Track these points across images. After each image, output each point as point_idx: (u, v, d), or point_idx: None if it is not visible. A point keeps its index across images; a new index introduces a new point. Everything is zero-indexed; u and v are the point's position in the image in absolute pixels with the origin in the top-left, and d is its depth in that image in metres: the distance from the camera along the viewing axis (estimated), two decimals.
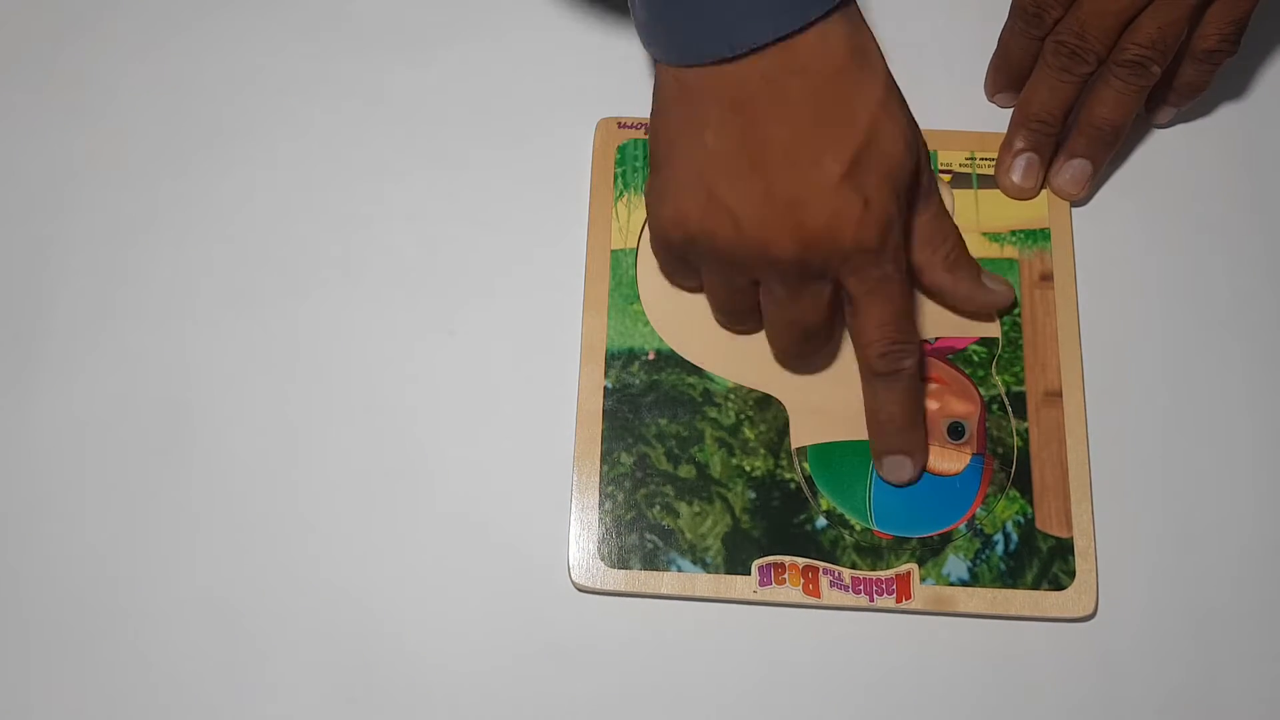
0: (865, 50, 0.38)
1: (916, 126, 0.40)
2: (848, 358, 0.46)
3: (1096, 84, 0.46)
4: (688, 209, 0.39)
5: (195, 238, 0.48)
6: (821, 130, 0.38)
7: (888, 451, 0.43)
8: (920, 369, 0.42)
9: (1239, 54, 0.46)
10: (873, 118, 0.38)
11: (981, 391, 0.46)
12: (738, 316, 0.44)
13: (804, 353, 0.44)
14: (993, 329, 0.46)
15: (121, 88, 0.51)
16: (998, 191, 0.48)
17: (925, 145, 0.42)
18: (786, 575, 0.43)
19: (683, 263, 0.43)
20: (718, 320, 0.46)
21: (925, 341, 0.46)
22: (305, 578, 0.44)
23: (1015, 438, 0.45)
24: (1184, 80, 0.47)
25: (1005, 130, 0.48)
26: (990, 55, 0.50)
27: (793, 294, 0.40)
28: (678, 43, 0.38)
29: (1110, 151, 0.47)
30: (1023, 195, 0.48)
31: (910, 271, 0.42)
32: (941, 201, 0.44)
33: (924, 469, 0.44)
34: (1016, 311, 0.47)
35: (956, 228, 0.44)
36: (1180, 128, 0.50)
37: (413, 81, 0.51)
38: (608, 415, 0.45)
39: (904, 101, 0.40)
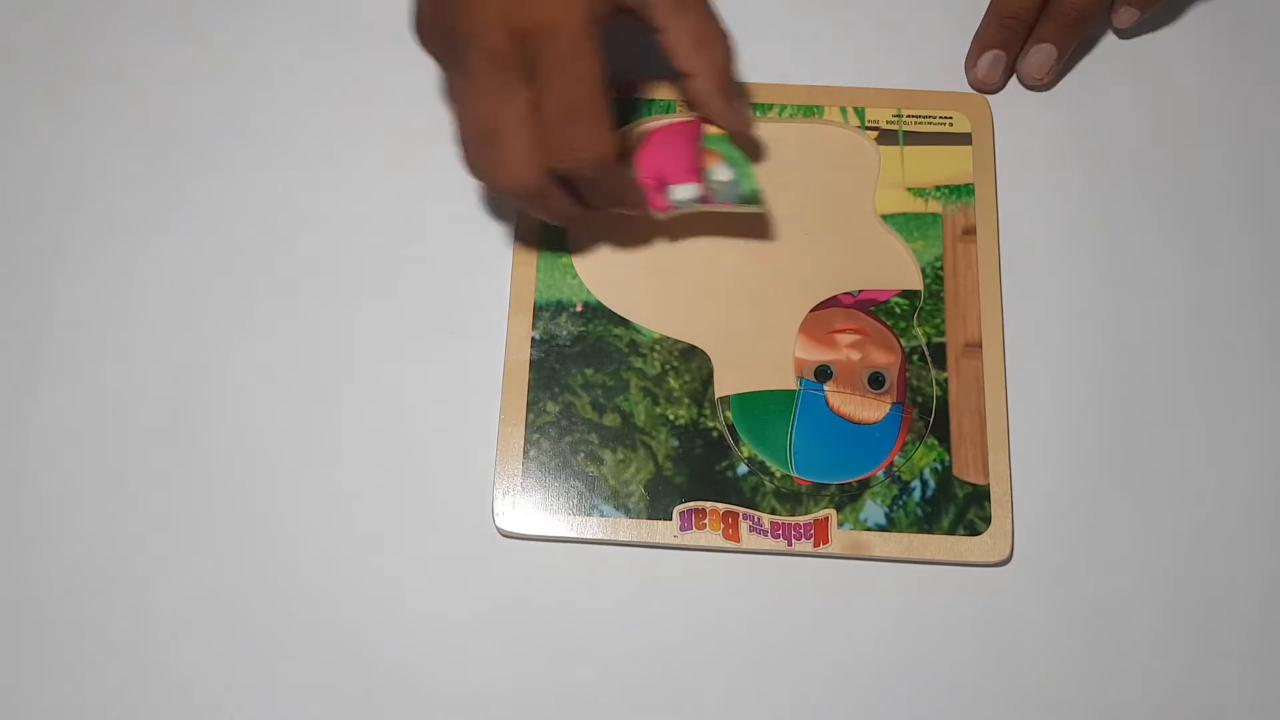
0: None
1: None
2: (771, 311, 0.47)
3: None
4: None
5: (193, 238, 0.49)
6: None
7: (629, 209, 0.44)
8: (606, 155, 0.40)
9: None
10: None
11: (903, 342, 0.47)
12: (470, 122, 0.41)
13: (483, 156, 0.40)
14: (914, 281, 0.47)
15: (122, 88, 0.51)
16: (923, 148, 0.49)
17: None
18: (707, 520, 0.44)
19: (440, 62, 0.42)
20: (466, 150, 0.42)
21: (848, 294, 0.47)
22: (257, 532, 0.45)
23: (935, 387, 0.46)
24: None
25: (932, 89, 0.50)
26: (913, 14, 0.50)
27: (474, 78, 0.39)
28: None
29: (1076, 38, 0.49)
30: (985, 89, 0.50)
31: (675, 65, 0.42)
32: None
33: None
34: (939, 265, 0.47)
35: (727, 34, 0.43)
36: (1104, 82, 0.51)
37: (345, 40, 0.51)
38: (534, 365, 0.46)
39: None
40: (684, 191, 0.44)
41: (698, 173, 0.44)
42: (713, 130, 0.46)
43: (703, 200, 0.45)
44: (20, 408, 0.46)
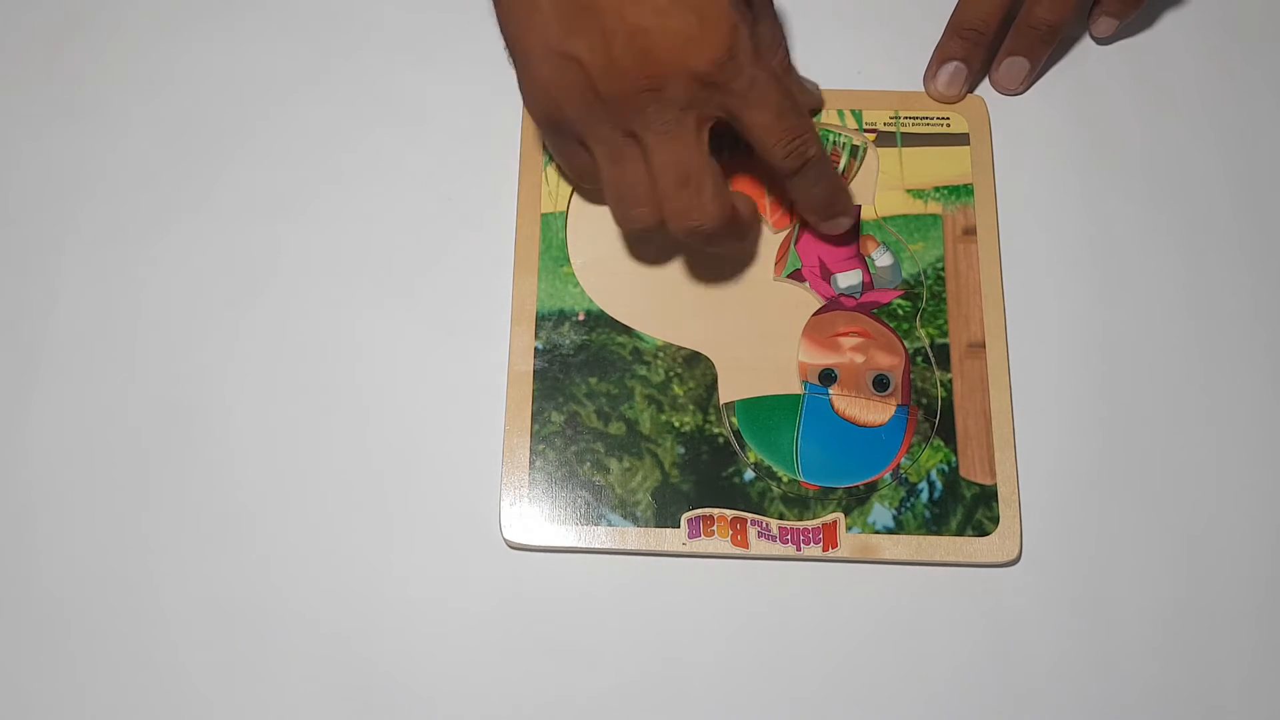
0: None
1: None
2: (774, 314, 0.47)
3: None
4: (543, 76, 0.40)
5: (191, 238, 0.49)
6: None
7: (828, 219, 0.46)
8: (821, 147, 0.43)
9: None
10: None
11: (906, 344, 0.46)
12: (629, 185, 0.42)
13: (684, 200, 0.41)
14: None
15: (121, 88, 0.51)
16: (922, 149, 0.49)
17: None
18: (715, 527, 0.44)
19: (562, 136, 0.43)
20: (613, 202, 0.43)
21: (848, 295, 0.47)
22: (261, 544, 0.45)
23: (939, 388, 0.46)
24: None
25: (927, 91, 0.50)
26: (910, 16, 0.51)
27: (660, 130, 0.40)
28: None
29: (1048, 50, 0.49)
30: (946, 100, 0.50)
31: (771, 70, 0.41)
32: (773, 5, 0.45)
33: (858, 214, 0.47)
34: (940, 266, 0.47)
35: (784, 33, 0.46)
36: (1101, 80, 0.51)
37: (347, 43, 0.51)
38: (538, 376, 0.46)
39: None
40: (848, 279, 0.46)
41: (860, 259, 0.46)
42: (870, 215, 0.47)
43: (866, 287, 0.46)
44: (23, 408, 0.46)
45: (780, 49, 0.46)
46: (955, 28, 0.49)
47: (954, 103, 0.50)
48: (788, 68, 0.46)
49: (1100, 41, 0.51)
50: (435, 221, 0.49)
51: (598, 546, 0.44)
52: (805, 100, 0.48)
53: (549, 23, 0.39)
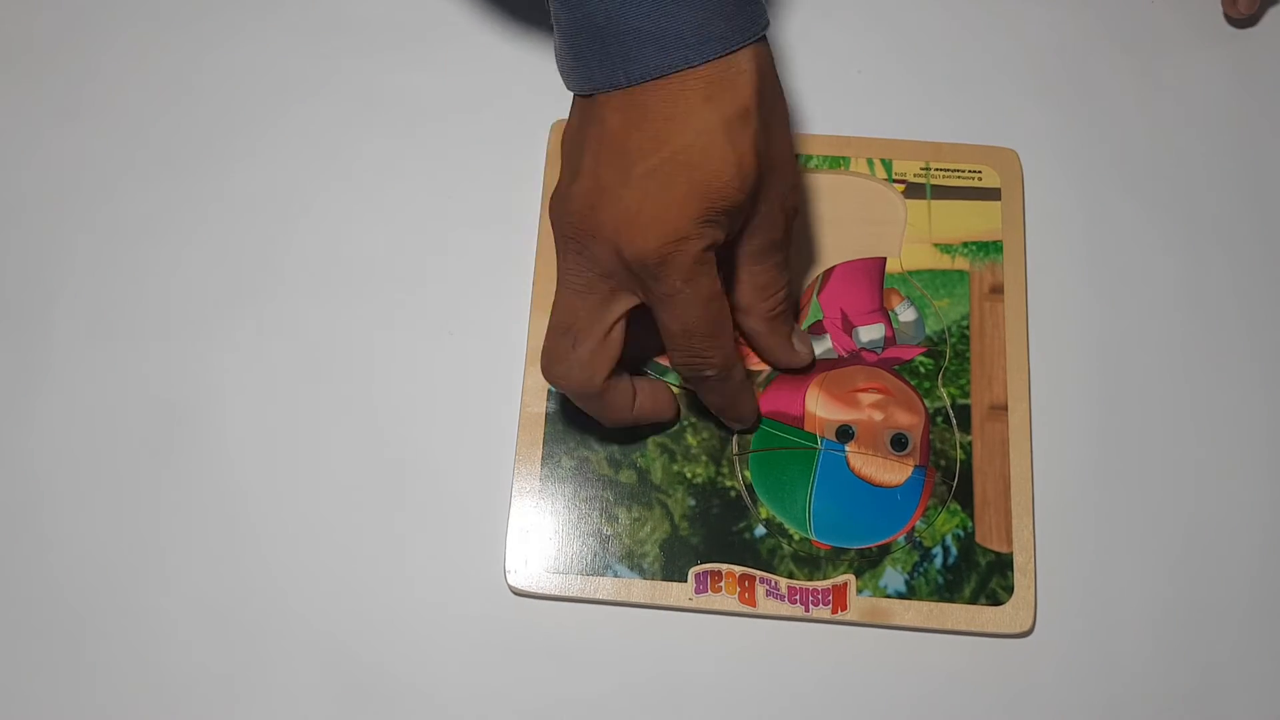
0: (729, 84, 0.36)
1: (770, 165, 0.38)
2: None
3: None
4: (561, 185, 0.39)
5: (189, 239, 0.48)
6: (643, 136, 0.36)
7: (730, 421, 0.44)
8: (729, 361, 0.40)
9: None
10: (703, 136, 0.36)
11: (926, 403, 0.46)
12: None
13: (556, 347, 0.40)
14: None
15: (121, 88, 0.50)
16: (950, 202, 0.48)
17: (794, 192, 0.40)
18: (723, 583, 0.43)
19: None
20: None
21: (870, 350, 0.46)
22: (252, 583, 0.44)
23: (958, 450, 0.45)
24: None
25: (961, 141, 0.49)
26: (943, 74, 0.50)
27: (566, 281, 0.39)
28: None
29: None
30: (1247, 19, 0.51)
31: (729, 301, 0.40)
32: (785, 252, 0.41)
33: (760, 418, 0.45)
34: (965, 324, 0.46)
35: (789, 283, 0.42)
36: (1137, 138, 0.50)
37: (374, 80, 0.51)
38: (550, 418, 0.45)
39: (760, 135, 0.37)
40: (870, 333, 0.44)
41: (883, 313, 0.45)
42: (896, 268, 0.46)
43: (888, 342, 0.45)
44: (19, 409, 0.46)
45: (775, 297, 0.42)
46: None
47: (1252, 24, 0.50)
48: (777, 318, 0.43)
49: (1236, 24, 0.51)
50: (454, 258, 0.48)
51: (603, 598, 0.43)
52: (790, 358, 0.44)
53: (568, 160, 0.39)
